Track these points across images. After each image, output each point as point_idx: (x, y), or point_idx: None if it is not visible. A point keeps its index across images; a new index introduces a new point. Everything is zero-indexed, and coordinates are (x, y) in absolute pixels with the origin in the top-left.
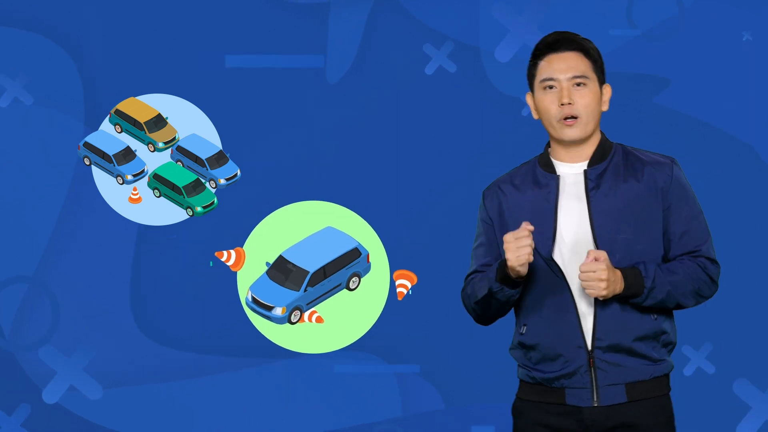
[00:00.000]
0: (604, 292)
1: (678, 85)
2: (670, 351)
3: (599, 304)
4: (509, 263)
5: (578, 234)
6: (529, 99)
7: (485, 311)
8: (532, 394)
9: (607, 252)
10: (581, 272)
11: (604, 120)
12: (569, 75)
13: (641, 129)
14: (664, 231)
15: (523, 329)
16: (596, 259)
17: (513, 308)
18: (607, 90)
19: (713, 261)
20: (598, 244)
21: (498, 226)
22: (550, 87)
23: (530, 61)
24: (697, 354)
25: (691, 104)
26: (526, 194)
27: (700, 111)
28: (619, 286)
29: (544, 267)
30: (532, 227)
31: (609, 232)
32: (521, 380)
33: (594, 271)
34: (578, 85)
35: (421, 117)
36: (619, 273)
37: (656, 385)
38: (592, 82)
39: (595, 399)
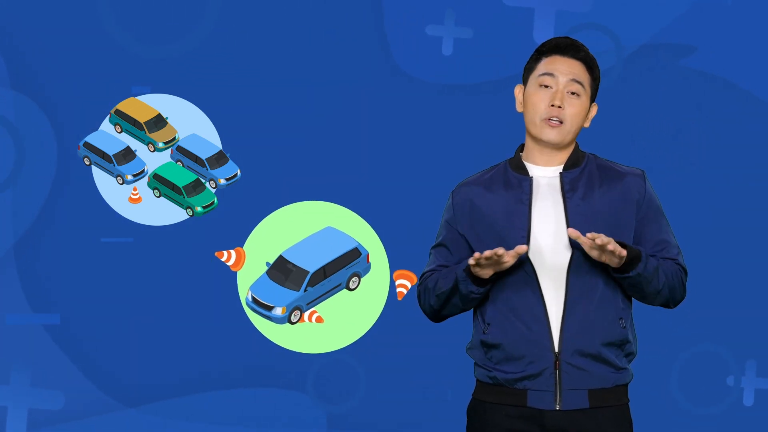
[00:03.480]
0: (620, 250)
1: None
2: (631, 361)
3: (570, 306)
4: (480, 273)
5: (555, 236)
6: (518, 91)
7: (443, 306)
8: (490, 395)
9: (579, 258)
10: (595, 239)
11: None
12: (569, 78)
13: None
14: (637, 241)
15: (486, 328)
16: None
17: (472, 308)
18: (594, 109)
19: (685, 271)
20: (574, 245)
21: (467, 224)
22: (546, 85)
23: (533, 54)
24: (745, 378)
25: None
26: (498, 195)
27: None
28: (621, 249)
29: (516, 266)
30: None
31: (584, 234)
32: (479, 380)
33: (601, 237)
34: (573, 93)
35: (423, 115)
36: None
37: (618, 394)
38: (585, 96)
39: (557, 402)
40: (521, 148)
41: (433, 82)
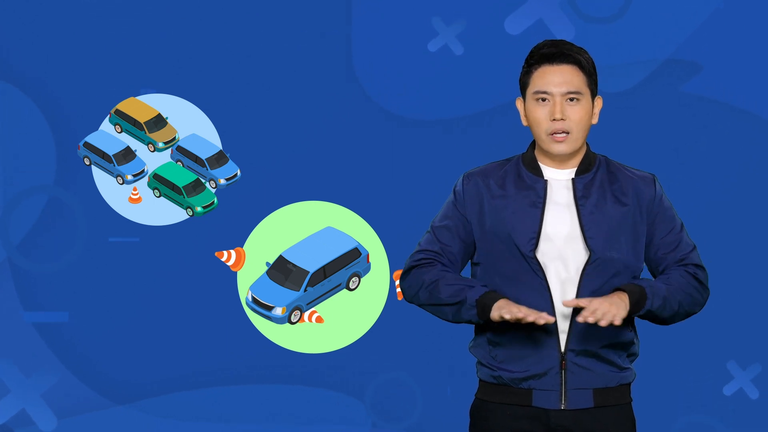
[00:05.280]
0: (622, 313)
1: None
2: (633, 361)
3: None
4: (493, 317)
5: (567, 241)
6: (519, 104)
7: (431, 307)
8: (494, 395)
9: (596, 259)
10: (590, 315)
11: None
12: (563, 90)
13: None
14: (649, 246)
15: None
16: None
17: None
18: (598, 103)
19: (701, 267)
20: (592, 248)
21: (476, 215)
22: (543, 99)
23: (523, 67)
24: (743, 373)
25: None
26: (511, 193)
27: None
28: (624, 303)
29: (524, 266)
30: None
31: (600, 241)
32: (482, 380)
33: (597, 309)
34: (571, 100)
35: (424, 114)
36: (615, 295)
37: (621, 393)
38: (585, 98)
39: (562, 402)
40: (533, 145)
41: (434, 84)
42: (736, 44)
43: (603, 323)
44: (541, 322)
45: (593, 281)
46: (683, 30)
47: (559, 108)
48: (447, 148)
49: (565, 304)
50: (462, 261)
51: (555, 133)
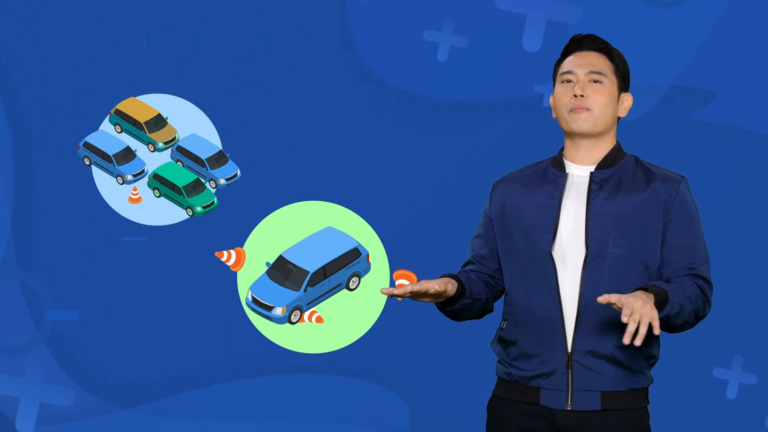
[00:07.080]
0: (656, 315)
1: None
2: (652, 365)
3: (584, 306)
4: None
5: (573, 234)
6: (551, 100)
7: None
8: (507, 391)
9: (597, 255)
10: (633, 316)
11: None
12: (586, 70)
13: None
14: (662, 245)
15: (504, 324)
16: (615, 302)
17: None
18: (628, 98)
19: (709, 283)
20: (590, 245)
21: (499, 221)
22: (568, 81)
23: (557, 60)
24: (740, 373)
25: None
26: (533, 191)
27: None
28: (651, 301)
29: (536, 264)
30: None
31: (602, 235)
32: (499, 377)
33: (635, 311)
34: (595, 81)
35: (423, 115)
36: (642, 294)
37: (633, 398)
38: (610, 82)
39: (569, 403)
40: (563, 148)
41: (433, 85)
42: (739, 65)
43: (642, 330)
44: (432, 290)
45: (595, 278)
46: (685, 54)
47: (581, 85)
48: (447, 148)
49: (600, 301)
50: (498, 263)
51: (575, 109)
